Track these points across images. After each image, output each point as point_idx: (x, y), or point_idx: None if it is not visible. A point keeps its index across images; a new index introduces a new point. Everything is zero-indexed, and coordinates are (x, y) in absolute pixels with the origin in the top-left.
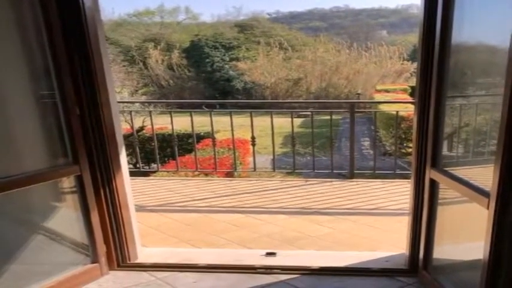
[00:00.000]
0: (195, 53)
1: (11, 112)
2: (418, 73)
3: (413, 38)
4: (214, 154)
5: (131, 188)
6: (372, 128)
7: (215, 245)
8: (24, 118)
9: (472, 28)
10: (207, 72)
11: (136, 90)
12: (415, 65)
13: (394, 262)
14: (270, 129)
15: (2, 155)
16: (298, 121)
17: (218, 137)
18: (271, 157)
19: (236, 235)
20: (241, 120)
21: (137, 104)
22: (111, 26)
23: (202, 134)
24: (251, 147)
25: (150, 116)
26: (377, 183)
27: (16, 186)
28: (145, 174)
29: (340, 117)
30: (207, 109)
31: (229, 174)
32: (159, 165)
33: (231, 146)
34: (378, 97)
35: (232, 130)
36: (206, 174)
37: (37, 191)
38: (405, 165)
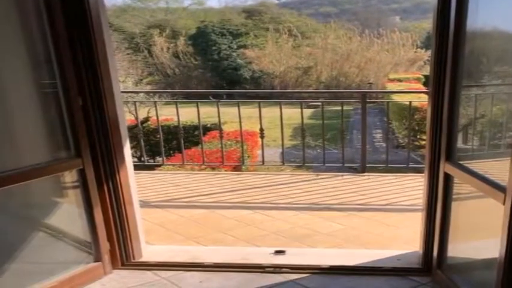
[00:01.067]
0: (202, 40)
1: (10, 102)
2: (432, 61)
3: (427, 24)
4: (222, 147)
5: (135, 183)
6: (384, 119)
7: (222, 243)
8: (23, 108)
9: (488, 14)
10: (214, 61)
11: (141, 80)
12: (428, 52)
13: (406, 261)
14: (279, 121)
15: (0, 148)
16: (308, 112)
17: (225, 128)
18: (280, 150)
19: (244, 232)
20: (249, 111)
21: (142, 94)
22: (114, 12)
23: (209, 125)
24: (259, 139)
25: (155, 106)
26: (389, 178)
27: (15, 181)
28: (150, 168)
29: (351, 108)
30: (214, 99)
31: (237, 168)
32: (165, 158)
33: (239, 138)
34: (391, 87)
35: (240, 121)
36: (213, 168)
37: (38, 186)
38: (419, 159)
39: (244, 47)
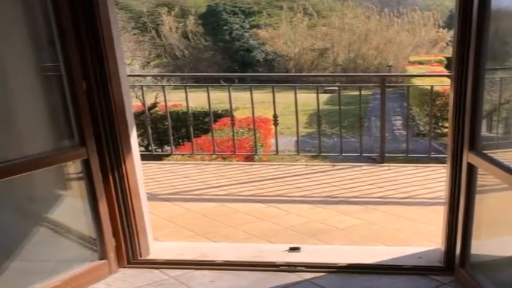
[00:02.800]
0: (212, 19)
1: (9, 86)
2: (455, 42)
3: (450, 2)
4: (233, 135)
5: (143, 174)
6: (404, 105)
7: (234, 239)
8: (24, 93)
9: None
10: (225, 42)
11: (148, 62)
12: (451, 33)
13: (428, 259)
14: (294, 107)
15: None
16: (324, 97)
17: (237, 115)
18: (295, 138)
19: (256, 227)
20: (262, 96)
21: (149, 77)
22: None
23: (219, 112)
24: (273, 127)
25: (163, 91)
26: (410, 168)
27: (15, 173)
28: (158, 157)
29: (369, 93)
30: (225, 83)
31: (249, 158)
32: (173, 147)
33: (251, 126)
34: (411, 70)
35: (252, 107)
36: (224, 158)
37: (39, 178)
38: (441, 148)
39: (257, 26)
